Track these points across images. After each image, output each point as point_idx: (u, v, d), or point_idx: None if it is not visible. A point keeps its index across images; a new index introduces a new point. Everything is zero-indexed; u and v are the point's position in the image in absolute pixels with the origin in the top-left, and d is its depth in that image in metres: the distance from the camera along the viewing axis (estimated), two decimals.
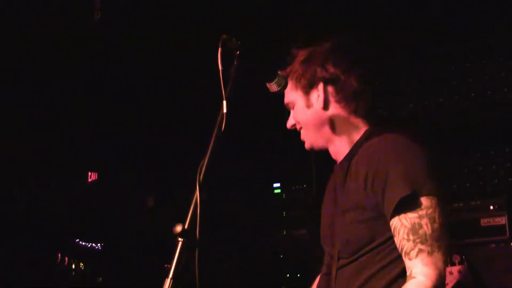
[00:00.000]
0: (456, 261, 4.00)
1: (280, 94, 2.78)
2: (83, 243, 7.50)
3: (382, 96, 5.95)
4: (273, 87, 2.68)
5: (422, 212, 2.26)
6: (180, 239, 2.21)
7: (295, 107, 2.80)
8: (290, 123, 2.84)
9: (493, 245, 5.32)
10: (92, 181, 7.19)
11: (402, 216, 2.27)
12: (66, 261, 7.29)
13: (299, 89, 2.74)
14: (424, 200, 2.29)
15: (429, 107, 5.93)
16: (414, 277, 2.22)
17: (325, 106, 2.69)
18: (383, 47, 5.51)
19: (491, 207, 5.41)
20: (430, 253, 2.23)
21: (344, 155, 2.69)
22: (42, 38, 5.54)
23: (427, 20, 5.58)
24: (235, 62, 2.53)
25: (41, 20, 5.30)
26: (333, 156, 2.80)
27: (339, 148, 2.73)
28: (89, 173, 7.17)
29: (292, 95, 2.79)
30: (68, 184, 6.98)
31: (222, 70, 2.44)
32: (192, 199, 2.28)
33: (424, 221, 2.25)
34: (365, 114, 2.72)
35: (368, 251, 2.43)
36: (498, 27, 5.53)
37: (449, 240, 2.31)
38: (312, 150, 2.78)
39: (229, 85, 2.47)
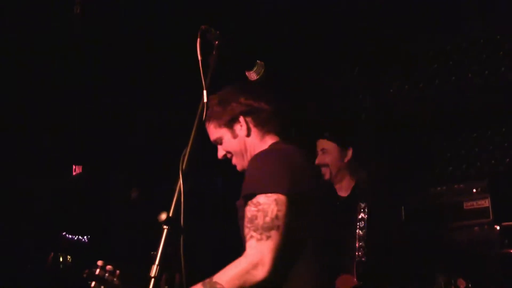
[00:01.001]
0: (462, 287, 3.99)
1: None
2: (70, 236, 7.50)
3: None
4: (252, 75, 2.74)
5: (259, 207, 2.67)
6: (165, 226, 2.26)
7: (223, 141, 3.16)
8: (221, 154, 3.21)
9: (477, 228, 5.37)
10: (77, 174, 7.19)
11: (247, 208, 2.72)
12: (54, 255, 7.30)
13: (223, 126, 3.13)
14: (262, 198, 2.68)
15: (413, 92, 5.98)
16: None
17: (248, 133, 3.11)
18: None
19: (474, 190, 5.44)
20: (258, 240, 2.62)
21: None
22: (25, 33, 5.55)
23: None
24: (214, 52, 2.57)
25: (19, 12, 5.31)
26: None
27: None
28: (74, 166, 7.17)
29: (218, 132, 3.15)
30: (53, 178, 6.98)
31: (201, 60, 2.48)
32: (176, 188, 2.33)
33: (260, 214, 2.66)
34: (279, 131, 3.16)
35: None
36: None
37: (284, 232, 2.64)
38: (244, 171, 3.05)
39: (209, 75, 2.51)
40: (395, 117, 6.08)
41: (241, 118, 3.09)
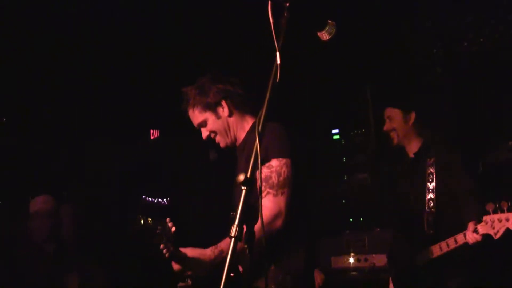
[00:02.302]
0: (505, 208, 4.00)
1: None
2: (150, 199, 7.69)
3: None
4: (324, 35, 2.73)
5: (272, 169, 3.22)
6: (243, 187, 2.30)
7: (207, 123, 3.64)
8: (205, 135, 3.69)
9: None
10: (155, 139, 7.34)
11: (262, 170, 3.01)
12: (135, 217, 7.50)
13: (207, 110, 3.62)
14: (274, 161, 3.23)
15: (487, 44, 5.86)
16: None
17: (230, 114, 3.63)
18: None
19: None
20: (275, 195, 3.19)
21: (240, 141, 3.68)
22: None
23: None
24: (285, 14, 2.57)
25: None
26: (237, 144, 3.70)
27: (239, 138, 3.68)
28: (151, 131, 7.32)
29: (202, 116, 3.64)
30: (132, 143, 7.14)
31: (273, 23, 2.50)
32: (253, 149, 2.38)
33: (273, 175, 3.21)
34: (254, 112, 3.62)
35: None
36: None
37: (292, 189, 3.23)
38: (227, 148, 3.67)
39: (281, 36, 2.52)
40: (471, 71, 5.98)
41: (223, 102, 3.60)
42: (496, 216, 3.94)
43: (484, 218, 3.99)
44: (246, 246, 2.35)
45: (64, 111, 6.72)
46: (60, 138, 6.70)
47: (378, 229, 5.89)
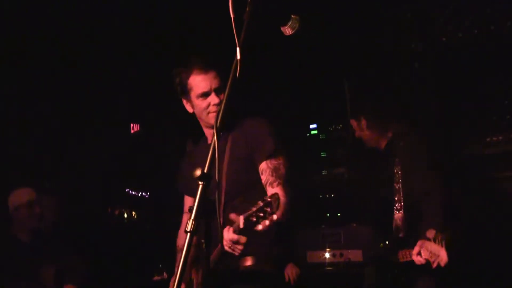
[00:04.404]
0: (438, 240, 4.02)
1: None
2: (133, 192, 7.68)
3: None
4: (287, 30, 2.74)
5: (279, 161, 3.41)
6: (200, 182, 2.31)
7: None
8: (218, 100, 3.47)
9: None
10: (135, 132, 7.32)
11: (269, 161, 3.41)
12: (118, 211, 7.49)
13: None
14: (277, 154, 3.42)
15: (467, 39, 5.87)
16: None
17: None
18: None
19: None
20: (283, 185, 3.36)
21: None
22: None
23: None
24: (248, 9, 2.57)
25: None
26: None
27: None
28: (131, 125, 7.31)
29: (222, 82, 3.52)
30: (113, 136, 7.13)
31: (234, 18, 2.50)
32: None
33: (280, 167, 3.40)
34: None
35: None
36: None
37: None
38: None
39: (243, 31, 2.52)
40: (449, 64, 5.98)
41: None
42: (433, 247, 3.91)
43: (426, 244, 3.97)
44: (203, 240, 2.37)
45: (46, 103, 6.69)
46: (42, 130, 6.68)
47: (355, 224, 5.90)
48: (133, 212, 7.69)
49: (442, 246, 3.83)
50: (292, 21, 2.72)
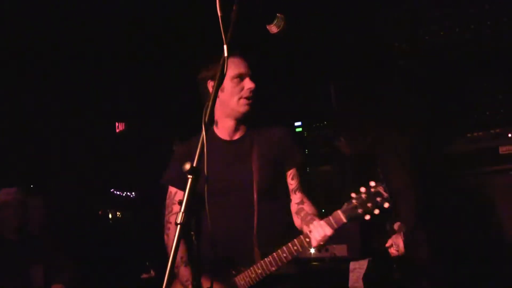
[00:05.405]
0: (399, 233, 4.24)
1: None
2: (118, 192, 7.68)
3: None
4: (273, 28, 2.79)
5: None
6: (189, 176, 2.36)
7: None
8: (253, 84, 3.62)
9: None
10: (120, 132, 7.33)
11: (299, 172, 3.77)
12: (103, 211, 7.50)
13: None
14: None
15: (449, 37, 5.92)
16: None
17: None
18: None
19: (510, 135, 5.43)
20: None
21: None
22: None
23: None
24: (235, 7, 2.62)
25: None
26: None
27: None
28: (117, 124, 7.32)
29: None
30: (98, 135, 7.13)
31: (221, 16, 2.54)
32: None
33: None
34: None
35: None
36: None
37: None
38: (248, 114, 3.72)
39: (230, 29, 2.57)
40: (431, 63, 6.05)
41: None
42: (398, 240, 4.13)
43: (393, 236, 4.18)
44: (192, 233, 2.41)
45: (31, 104, 6.70)
46: (27, 130, 6.69)
47: None
48: (117, 212, 7.70)
49: (400, 235, 4.03)
50: (278, 19, 2.77)
